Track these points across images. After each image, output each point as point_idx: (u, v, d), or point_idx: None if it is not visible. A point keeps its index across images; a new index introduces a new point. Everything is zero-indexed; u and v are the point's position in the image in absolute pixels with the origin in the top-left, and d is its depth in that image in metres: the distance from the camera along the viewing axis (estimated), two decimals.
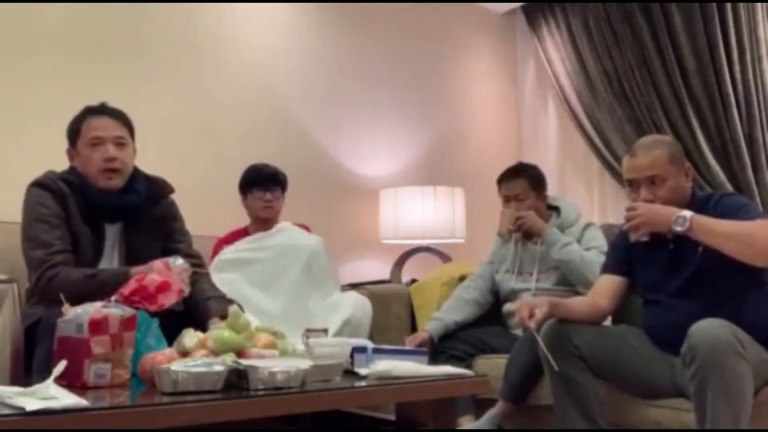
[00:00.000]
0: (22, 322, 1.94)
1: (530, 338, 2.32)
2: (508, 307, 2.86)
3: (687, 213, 1.99)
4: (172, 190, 2.39)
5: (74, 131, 2.24)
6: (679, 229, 1.98)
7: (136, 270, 2.01)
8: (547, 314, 2.10)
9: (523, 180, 2.85)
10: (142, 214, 2.27)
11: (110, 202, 2.21)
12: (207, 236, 2.91)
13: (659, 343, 2.14)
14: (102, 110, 2.26)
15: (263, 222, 3.00)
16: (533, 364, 2.36)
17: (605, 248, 2.67)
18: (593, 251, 2.71)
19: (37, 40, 3.03)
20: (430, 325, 2.81)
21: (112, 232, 2.25)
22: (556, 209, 2.89)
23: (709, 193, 2.28)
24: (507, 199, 2.87)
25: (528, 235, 2.87)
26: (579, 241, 2.77)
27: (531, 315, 2.07)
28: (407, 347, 2.62)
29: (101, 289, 1.93)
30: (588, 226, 2.83)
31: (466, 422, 2.59)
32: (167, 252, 2.23)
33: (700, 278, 2.07)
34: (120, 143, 2.22)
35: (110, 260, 2.23)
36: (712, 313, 1.89)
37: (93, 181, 2.19)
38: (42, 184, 2.16)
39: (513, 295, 2.85)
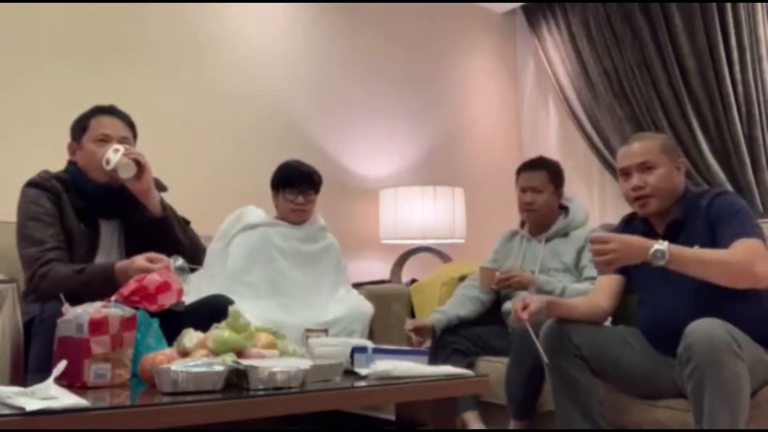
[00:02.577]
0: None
1: (520, 345, 2.31)
2: (507, 306, 2.86)
3: (663, 245, 1.92)
4: (164, 188, 2.41)
5: (81, 126, 2.28)
6: (659, 263, 1.91)
7: (119, 264, 2.05)
8: (542, 308, 2.10)
9: (544, 172, 2.85)
10: (138, 210, 2.28)
11: (108, 197, 2.24)
12: (206, 236, 2.91)
13: (657, 345, 2.14)
14: (111, 110, 2.31)
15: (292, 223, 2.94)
16: (531, 376, 2.36)
17: None
18: (589, 268, 2.67)
19: (36, 41, 3.03)
20: (433, 316, 2.81)
21: (108, 229, 2.27)
22: (564, 209, 2.89)
23: (703, 189, 2.27)
24: (524, 190, 2.85)
25: (534, 231, 2.87)
26: (583, 247, 2.75)
27: (524, 307, 2.07)
28: (406, 347, 2.62)
29: (89, 284, 1.98)
30: (594, 231, 2.79)
31: (472, 419, 2.59)
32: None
33: (694, 276, 2.05)
34: (125, 144, 2.27)
35: (107, 257, 2.24)
36: (708, 313, 1.88)
37: (94, 175, 2.22)
38: (36, 184, 2.19)
39: (512, 291, 2.86)
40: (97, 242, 2.23)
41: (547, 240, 2.85)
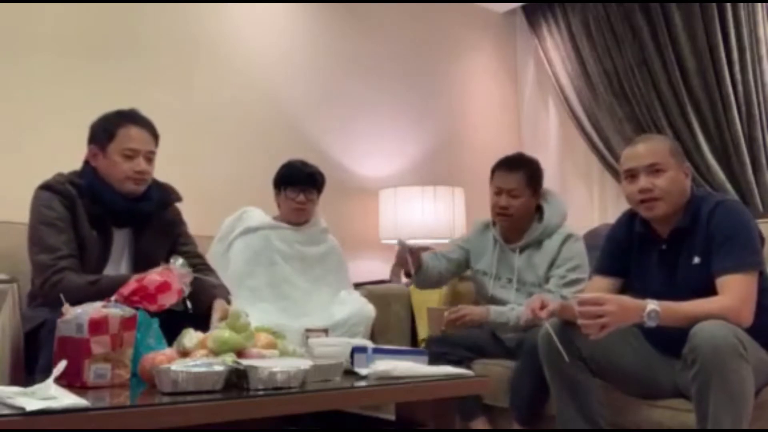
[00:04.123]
0: (23, 323, 1.94)
1: (529, 353, 2.29)
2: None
3: (655, 306, 1.89)
4: (179, 198, 2.40)
5: (107, 133, 2.21)
6: (652, 324, 1.89)
7: (137, 277, 2.02)
8: (558, 309, 2.07)
9: (522, 175, 2.67)
10: (152, 219, 2.28)
11: (125, 206, 2.21)
12: (206, 236, 2.91)
13: (658, 346, 2.14)
14: (139, 120, 2.26)
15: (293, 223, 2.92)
16: (536, 386, 2.32)
17: (580, 273, 2.58)
18: (552, 282, 2.60)
19: (39, 41, 3.03)
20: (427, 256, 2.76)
21: (120, 237, 2.25)
22: (539, 210, 2.74)
23: (706, 193, 2.24)
24: (498, 192, 2.68)
25: (508, 237, 2.76)
26: (555, 258, 2.63)
27: (542, 307, 2.06)
28: (406, 347, 2.60)
29: (103, 296, 1.93)
30: (568, 238, 2.66)
31: (480, 425, 2.56)
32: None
33: (695, 280, 2.04)
34: (150, 158, 2.25)
35: (117, 265, 2.23)
36: None
37: (117, 185, 2.19)
38: (50, 187, 2.14)
39: (492, 301, 2.74)
40: (108, 250, 2.20)
41: (522, 250, 2.71)
